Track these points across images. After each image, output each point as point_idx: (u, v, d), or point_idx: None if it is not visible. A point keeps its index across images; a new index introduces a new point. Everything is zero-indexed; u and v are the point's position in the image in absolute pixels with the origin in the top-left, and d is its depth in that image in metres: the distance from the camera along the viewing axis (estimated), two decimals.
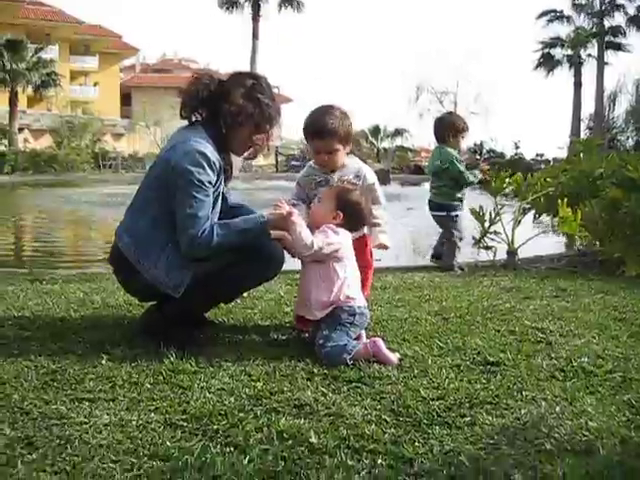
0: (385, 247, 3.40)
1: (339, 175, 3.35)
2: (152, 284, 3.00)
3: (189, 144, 2.97)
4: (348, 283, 2.99)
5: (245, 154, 3.28)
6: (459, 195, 5.80)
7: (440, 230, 6.01)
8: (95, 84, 51.98)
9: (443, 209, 5.80)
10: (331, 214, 3.05)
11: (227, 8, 40.43)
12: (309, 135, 3.32)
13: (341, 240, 3.00)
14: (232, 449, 2.02)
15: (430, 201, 5.92)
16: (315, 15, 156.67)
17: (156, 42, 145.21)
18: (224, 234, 2.94)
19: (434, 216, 5.88)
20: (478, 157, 36.62)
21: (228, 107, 3.04)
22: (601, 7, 41.85)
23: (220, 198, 3.13)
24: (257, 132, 3.15)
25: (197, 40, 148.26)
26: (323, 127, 3.23)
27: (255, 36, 39.68)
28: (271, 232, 3.02)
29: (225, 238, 2.94)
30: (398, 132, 46.61)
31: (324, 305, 2.97)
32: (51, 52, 42.25)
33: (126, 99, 53.92)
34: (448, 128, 5.82)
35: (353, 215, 3.08)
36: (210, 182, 2.96)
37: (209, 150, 2.97)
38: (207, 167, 2.94)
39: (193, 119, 3.15)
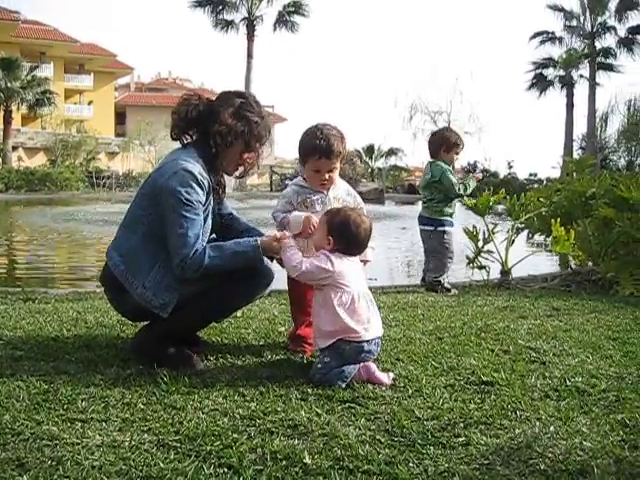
0: (368, 261, 3.33)
1: (333, 194, 3.35)
2: (140, 304, 2.99)
3: (176, 163, 2.99)
4: (352, 313, 2.84)
5: (236, 173, 3.29)
6: (449, 210, 5.78)
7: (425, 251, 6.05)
8: (89, 103, 52.19)
9: (432, 224, 5.77)
10: (325, 240, 2.96)
11: (222, 28, 40.62)
12: (315, 154, 3.23)
13: (335, 268, 2.86)
14: (226, 470, 2.00)
15: (420, 216, 5.90)
16: (310, 35, 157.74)
17: (151, 61, 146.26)
18: (216, 256, 2.94)
19: (422, 231, 5.85)
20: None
21: (217, 127, 3.05)
22: (592, 29, 42.22)
23: (210, 218, 3.13)
24: (247, 150, 3.16)
25: (192, 59, 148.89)
26: (331, 147, 3.20)
27: (250, 55, 39.82)
28: (264, 255, 3.01)
29: (217, 260, 2.94)
30: (392, 151, 46.72)
31: (325, 335, 2.89)
32: (46, 70, 42.54)
33: (120, 118, 54.15)
34: (441, 142, 5.82)
35: (343, 236, 2.94)
36: (199, 201, 2.96)
37: (197, 169, 2.98)
38: (196, 186, 2.95)
39: (185, 141, 3.17)
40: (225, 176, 3.32)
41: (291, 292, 3.40)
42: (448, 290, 5.63)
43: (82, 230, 13.54)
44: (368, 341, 2.86)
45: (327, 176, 3.28)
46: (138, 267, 3.00)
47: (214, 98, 3.21)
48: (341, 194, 3.39)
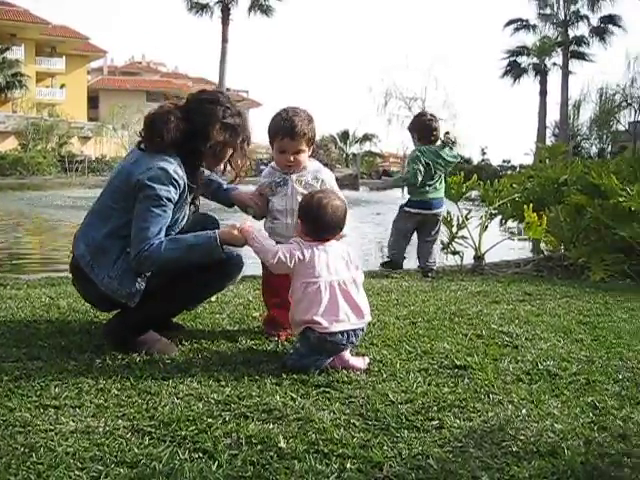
0: (342, 235, 3.34)
1: (297, 176, 3.34)
2: (107, 294, 2.96)
3: (153, 160, 2.94)
4: (316, 304, 2.77)
5: (231, 177, 3.36)
6: None
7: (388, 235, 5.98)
8: (62, 86, 51.38)
9: (442, 205, 5.82)
10: (298, 224, 2.96)
11: (196, 11, 40.25)
12: (279, 135, 3.27)
13: (305, 255, 2.81)
14: (201, 455, 2.00)
15: (434, 199, 5.75)
16: (286, 20, 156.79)
17: (124, 45, 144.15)
18: (172, 248, 2.89)
19: (437, 214, 5.77)
20: None
21: (209, 145, 3.03)
22: (565, 17, 42.52)
23: (185, 218, 3.10)
24: (234, 153, 3.18)
25: (166, 43, 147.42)
26: (294, 127, 3.23)
27: (224, 40, 39.53)
28: (227, 246, 2.96)
29: (174, 252, 2.89)
30: (367, 137, 46.80)
31: (295, 323, 2.89)
32: (17, 53, 41.81)
33: (93, 102, 53.48)
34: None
35: (308, 217, 2.90)
36: (169, 199, 2.92)
37: (172, 167, 2.94)
38: (168, 183, 2.90)
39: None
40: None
41: (264, 275, 3.41)
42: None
43: (54, 215, 13.39)
44: (333, 333, 2.76)
45: (292, 158, 3.29)
46: (104, 258, 2.95)
47: (186, 104, 3.11)
48: (307, 178, 3.35)
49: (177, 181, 2.94)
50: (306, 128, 3.26)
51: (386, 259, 5.94)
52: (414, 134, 5.90)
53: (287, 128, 3.23)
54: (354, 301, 2.86)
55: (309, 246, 2.85)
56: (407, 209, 5.76)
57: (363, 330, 2.94)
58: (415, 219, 5.73)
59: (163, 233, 2.91)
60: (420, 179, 5.61)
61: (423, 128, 5.82)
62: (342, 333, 2.78)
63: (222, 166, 3.27)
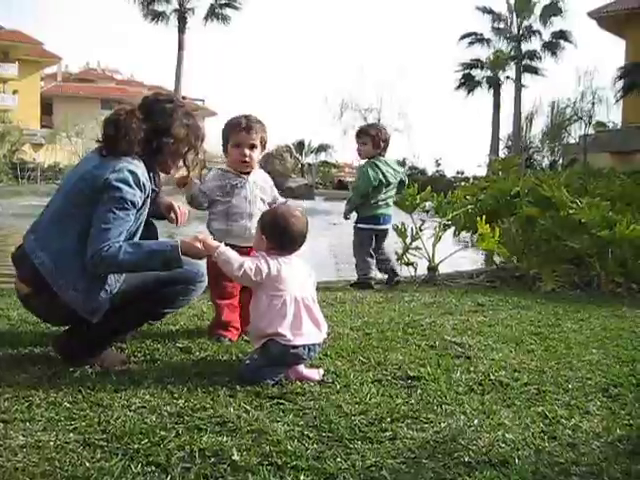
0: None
1: (253, 178, 3.59)
2: (69, 306, 2.86)
3: (120, 162, 2.90)
4: (281, 317, 2.80)
5: (177, 177, 3.41)
6: None
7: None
8: (14, 92, 50.41)
9: (391, 221, 5.85)
10: (261, 241, 2.95)
11: (152, 19, 39.96)
12: (236, 129, 3.55)
13: (270, 269, 2.82)
14: (154, 468, 1.99)
15: (385, 214, 5.77)
16: (242, 29, 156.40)
17: (79, 51, 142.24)
18: (132, 252, 2.83)
19: (386, 229, 5.80)
20: None
21: (170, 142, 3.05)
22: (518, 32, 43.39)
23: (141, 228, 3.04)
24: (189, 152, 3.18)
25: (121, 50, 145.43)
26: (250, 122, 3.56)
27: (181, 48, 39.35)
28: (187, 256, 2.92)
29: (132, 256, 2.82)
30: (322, 147, 47.00)
31: (257, 336, 2.90)
32: None
33: (47, 108, 52.64)
34: None
35: (274, 232, 2.92)
36: (134, 202, 2.87)
37: (140, 170, 2.91)
38: (135, 187, 2.87)
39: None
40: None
41: (210, 278, 3.41)
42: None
43: (5, 224, 13.13)
44: (296, 346, 2.80)
45: (247, 152, 3.52)
46: (69, 268, 2.84)
47: (143, 105, 3.10)
48: (260, 180, 3.65)
49: (144, 185, 2.92)
50: (260, 128, 3.58)
51: (356, 279, 5.77)
52: (368, 140, 5.76)
53: (244, 123, 3.55)
54: (315, 317, 2.91)
55: (275, 259, 2.87)
56: (360, 226, 5.75)
57: (320, 345, 2.97)
58: (370, 233, 5.72)
59: (123, 237, 2.85)
60: (371, 186, 5.61)
61: (381, 137, 5.77)
62: (304, 347, 2.82)
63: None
